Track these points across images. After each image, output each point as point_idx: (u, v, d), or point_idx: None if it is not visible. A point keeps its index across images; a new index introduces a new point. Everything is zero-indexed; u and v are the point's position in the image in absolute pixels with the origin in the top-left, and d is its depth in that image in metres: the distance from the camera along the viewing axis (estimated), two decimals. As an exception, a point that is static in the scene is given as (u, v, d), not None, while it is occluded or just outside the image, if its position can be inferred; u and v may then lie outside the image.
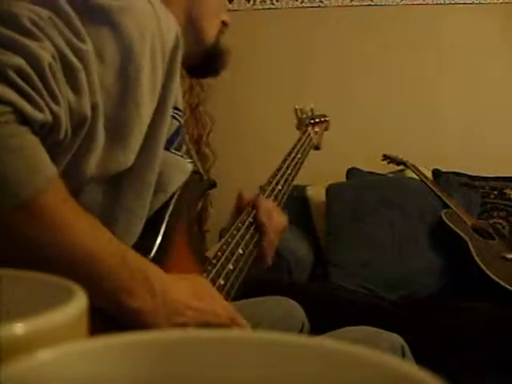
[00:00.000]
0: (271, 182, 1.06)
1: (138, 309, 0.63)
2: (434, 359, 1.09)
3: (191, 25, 0.78)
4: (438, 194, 2.24)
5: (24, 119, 0.54)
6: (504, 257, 1.97)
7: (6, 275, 0.31)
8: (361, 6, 2.75)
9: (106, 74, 0.63)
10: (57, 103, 0.57)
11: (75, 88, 0.59)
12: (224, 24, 0.95)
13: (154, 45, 0.68)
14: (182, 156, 0.81)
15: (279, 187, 1.06)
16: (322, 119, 1.46)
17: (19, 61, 0.53)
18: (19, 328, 0.23)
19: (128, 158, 0.69)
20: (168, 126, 0.74)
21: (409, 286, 1.97)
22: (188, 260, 0.83)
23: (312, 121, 1.42)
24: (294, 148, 1.23)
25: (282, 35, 2.72)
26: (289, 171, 1.13)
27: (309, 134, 1.32)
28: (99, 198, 0.69)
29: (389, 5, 2.74)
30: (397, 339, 0.99)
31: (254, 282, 0.98)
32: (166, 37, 0.70)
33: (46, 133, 0.58)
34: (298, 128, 1.41)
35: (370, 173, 2.46)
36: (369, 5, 2.75)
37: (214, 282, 0.78)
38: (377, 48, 2.72)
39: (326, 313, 1.23)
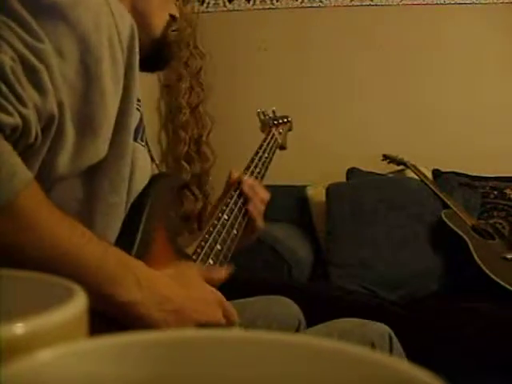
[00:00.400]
0: (239, 184, 1.07)
1: (128, 301, 0.64)
2: (434, 359, 1.09)
3: (137, 17, 0.79)
4: (438, 194, 2.24)
5: None
6: (504, 257, 1.97)
7: (6, 275, 0.31)
8: (361, 5, 2.75)
9: (68, 70, 0.63)
10: (24, 106, 0.56)
11: (39, 88, 0.59)
12: (172, 18, 0.95)
13: (110, 35, 0.68)
14: (144, 146, 0.82)
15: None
16: (285, 120, 1.51)
17: None
18: (19, 328, 0.23)
19: (99, 150, 0.69)
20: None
21: (409, 286, 1.97)
22: (168, 257, 0.83)
23: (275, 121, 1.47)
24: (260, 148, 1.27)
25: (281, 35, 2.72)
26: (257, 170, 1.16)
27: (273, 135, 1.37)
28: (76, 194, 0.70)
29: (389, 5, 2.74)
30: (384, 329, 1.00)
31: (253, 282, 0.98)
32: (121, 27, 0.70)
33: (17, 137, 0.57)
34: (262, 130, 1.46)
35: (370, 173, 2.46)
36: (369, 5, 2.75)
37: None
38: (377, 48, 2.72)
39: (326, 313, 1.23)
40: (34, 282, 0.30)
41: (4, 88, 0.55)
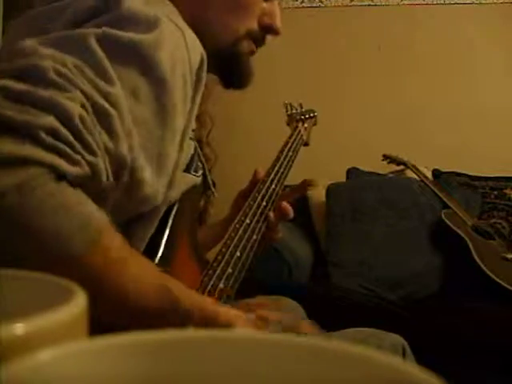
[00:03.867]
0: (265, 181, 1.05)
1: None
2: (434, 359, 1.09)
3: (198, 26, 0.76)
4: (438, 193, 2.24)
5: (62, 175, 0.53)
6: (504, 257, 1.97)
7: (6, 275, 0.31)
8: (361, 5, 2.75)
9: (144, 111, 0.62)
10: (92, 153, 0.55)
11: (110, 133, 0.58)
12: (251, 34, 0.90)
13: (184, 73, 0.67)
14: (196, 174, 0.82)
15: (273, 186, 1.05)
16: (311, 115, 1.44)
17: (49, 119, 0.52)
18: (19, 328, 0.23)
19: (163, 193, 0.68)
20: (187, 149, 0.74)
21: (409, 286, 1.97)
22: (190, 263, 0.83)
23: (302, 117, 1.40)
24: (285, 145, 1.20)
25: (281, 35, 2.72)
26: (281, 170, 1.11)
27: (299, 131, 1.30)
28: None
29: (389, 5, 2.74)
30: (398, 340, 1.00)
31: (254, 282, 0.98)
32: (193, 60, 0.69)
33: (88, 184, 0.56)
34: (288, 124, 1.38)
35: (370, 173, 2.46)
36: (369, 5, 2.75)
37: (215, 286, 0.79)
38: (376, 48, 2.72)
39: (326, 313, 1.23)
40: (34, 282, 0.30)
41: (71, 138, 0.53)
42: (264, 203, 0.98)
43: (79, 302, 0.26)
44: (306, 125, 1.37)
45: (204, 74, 0.71)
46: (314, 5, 2.75)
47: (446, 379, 0.20)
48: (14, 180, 0.49)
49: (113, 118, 0.58)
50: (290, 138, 1.25)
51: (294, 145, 1.22)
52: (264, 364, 0.23)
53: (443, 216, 2.09)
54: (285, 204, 1.02)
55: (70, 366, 0.21)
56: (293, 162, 1.17)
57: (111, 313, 0.57)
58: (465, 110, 2.67)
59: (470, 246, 1.95)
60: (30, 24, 0.64)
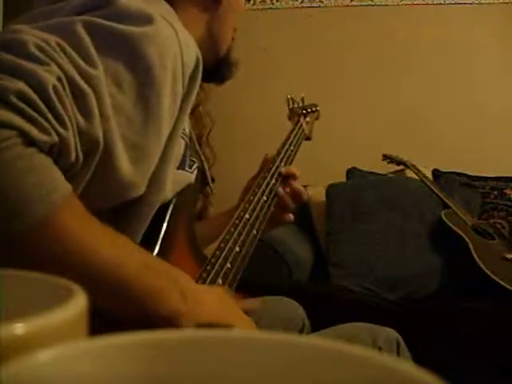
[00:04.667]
0: (266, 176, 1.04)
1: (173, 312, 0.61)
2: (434, 359, 1.09)
3: (210, 38, 0.78)
4: (438, 194, 2.24)
5: (30, 142, 0.54)
6: (504, 257, 1.97)
7: (6, 275, 0.31)
8: (361, 5, 2.75)
9: (126, 102, 0.63)
10: (63, 126, 0.56)
11: (85, 112, 0.58)
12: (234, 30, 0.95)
13: (175, 71, 0.67)
14: (190, 170, 0.82)
15: (273, 181, 1.05)
16: (314, 109, 1.43)
17: (19, 84, 0.53)
18: (19, 328, 0.23)
19: (144, 184, 0.69)
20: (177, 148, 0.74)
21: (409, 286, 1.97)
22: (188, 259, 0.82)
23: (304, 111, 1.38)
24: (287, 139, 1.20)
25: (281, 35, 2.72)
26: (282, 164, 1.10)
27: (301, 125, 1.29)
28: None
29: (389, 5, 2.74)
30: (392, 334, 1.00)
31: (254, 282, 0.98)
32: (186, 59, 0.69)
33: (56, 156, 0.57)
34: (290, 118, 1.37)
35: (370, 173, 2.46)
36: (369, 5, 2.75)
37: (213, 281, 0.78)
38: (376, 48, 2.72)
39: (326, 313, 1.23)
40: (34, 282, 0.30)
41: (43, 106, 0.54)
42: (264, 198, 0.98)
43: (79, 302, 0.26)
44: (308, 119, 1.36)
45: (199, 75, 0.72)
46: (314, 5, 2.75)
47: (445, 379, 0.20)
48: None
49: (89, 98, 0.58)
50: (291, 132, 1.24)
51: (296, 139, 1.21)
52: (262, 364, 0.23)
53: (443, 216, 2.09)
54: (297, 186, 1.05)
55: (70, 366, 0.21)
56: (294, 155, 1.16)
57: (87, 286, 0.56)
58: (465, 110, 2.67)
59: (470, 246, 1.95)
60: (29, 23, 0.65)
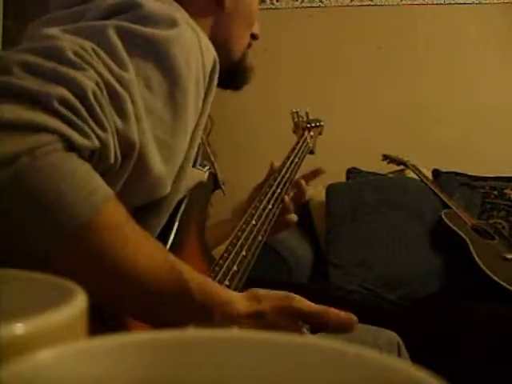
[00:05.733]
0: (272, 185, 1.08)
1: (229, 302, 0.65)
2: (434, 359, 1.09)
3: (216, 43, 0.79)
4: (438, 193, 2.24)
5: (71, 147, 0.55)
6: (504, 257, 1.97)
7: (6, 275, 0.31)
8: (361, 5, 2.75)
9: (156, 102, 0.65)
10: (103, 129, 0.57)
11: (121, 114, 0.59)
12: (253, 37, 0.97)
13: (198, 72, 0.70)
14: (202, 169, 0.85)
15: (278, 190, 1.08)
16: (318, 124, 1.47)
17: (62, 90, 0.54)
18: (19, 328, 0.23)
19: (171, 183, 0.71)
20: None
21: (409, 286, 1.97)
22: (197, 259, 0.84)
23: (308, 125, 1.43)
24: (292, 151, 1.24)
25: (282, 35, 2.72)
26: (287, 175, 1.14)
27: (305, 139, 1.33)
28: None
29: (389, 5, 2.74)
30: (393, 336, 1.00)
31: (254, 282, 0.98)
32: (206, 62, 0.71)
33: (96, 159, 0.58)
34: (295, 132, 1.41)
35: (370, 173, 2.46)
36: (369, 5, 2.75)
37: (220, 282, 0.79)
38: (376, 48, 2.72)
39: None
40: (34, 282, 0.30)
41: (83, 111, 0.55)
42: (270, 206, 1.01)
43: (79, 302, 0.26)
44: (311, 133, 1.40)
45: (216, 76, 0.74)
46: (314, 5, 2.75)
47: (445, 379, 0.20)
48: (26, 145, 0.51)
49: (125, 101, 0.60)
50: (296, 144, 1.28)
51: (300, 152, 1.25)
52: (263, 364, 0.23)
53: (443, 216, 2.09)
54: (302, 182, 1.12)
55: (70, 366, 0.21)
56: (298, 168, 1.20)
57: (117, 290, 0.58)
58: (465, 110, 2.67)
59: (470, 246, 1.95)
60: (54, 25, 0.66)
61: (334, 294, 1.83)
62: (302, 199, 1.16)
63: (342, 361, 0.22)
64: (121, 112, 0.59)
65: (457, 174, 2.47)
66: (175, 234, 0.77)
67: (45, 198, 0.51)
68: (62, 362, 0.21)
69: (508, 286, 1.79)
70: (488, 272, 1.84)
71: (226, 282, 0.80)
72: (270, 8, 2.75)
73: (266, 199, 1.02)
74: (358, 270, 2.00)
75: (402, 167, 2.46)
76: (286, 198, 1.09)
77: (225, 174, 1.12)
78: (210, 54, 0.73)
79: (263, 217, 0.97)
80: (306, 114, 1.47)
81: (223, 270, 0.81)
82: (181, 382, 0.23)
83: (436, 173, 2.48)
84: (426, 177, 2.35)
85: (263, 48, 2.71)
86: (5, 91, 0.52)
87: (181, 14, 0.72)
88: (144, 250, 0.59)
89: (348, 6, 2.76)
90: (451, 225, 2.05)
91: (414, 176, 2.37)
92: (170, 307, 0.61)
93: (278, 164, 1.14)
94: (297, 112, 1.45)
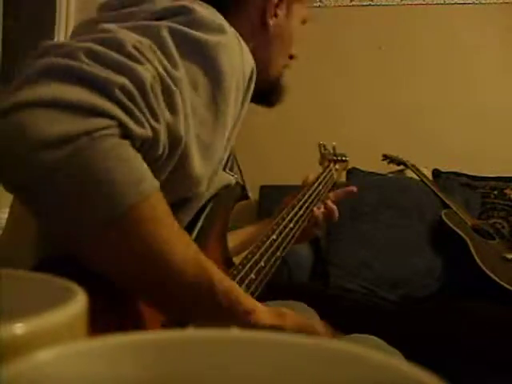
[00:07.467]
0: (294, 206, 1.11)
1: (252, 307, 0.67)
2: (434, 359, 1.09)
3: (256, 63, 0.81)
4: (438, 194, 2.24)
5: (126, 134, 0.57)
6: (504, 257, 1.97)
7: (6, 275, 0.31)
8: (361, 5, 2.75)
9: (199, 104, 0.67)
10: (156, 120, 0.59)
11: (172, 108, 0.62)
12: (291, 57, 1.01)
13: (238, 79, 0.72)
14: (231, 174, 0.86)
15: (301, 212, 1.12)
16: (343, 158, 1.51)
17: (123, 80, 0.57)
18: (19, 328, 0.23)
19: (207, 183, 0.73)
20: None
21: (409, 286, 1.97)
22: (217, 258, 0.85)
23: (334, 157, 1.47)
24: (316, 180, 1.27)
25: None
26: (311, 199, 1.18)
27: (330, 170, 1.37)
28: None
29: (389, 5, 2.74)
30: (379, 342, 1.00)
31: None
32: (245, 69, 0.74)
33: (146, 149, 0.60)
34: (321, 163, 1.45)
35: (370, 173, 2.46)
36: (369, 5, 2.75)
37: None
38: (376, 48, 2.72)
39: (326, 313, 1.23)
40: (34, 282, 0.30)
41: (141, 101, 0.58)
42: (291, 225, 1.05)
43: (79, 301, 0.26)
44: (337, 166, 1.45)
45: (252, 85, 0.78)
46: (314, 5, 2.75)
47: (445, 379, 0.20)
48: (86, 126, 0.53)
49: (176, 97, 0.62)
50: (321, 174, 1.32)
51: (325, 181, 1.29)
52: (263, 364, 0.23)
53: (443, 216, 2.09)
54: (331, 205, 1.19)
55: (70, 366, 0.21)
56: (322, 196, 1.24)
57: (146, 275, 0.60)
58: (465, 110, 2.67)
59: (470, 246, 1.95)
60: (94, 27, 0.67)
61: (333, 293, 1.83)
62: (333, 219, 1.23)
63: (342, 361, 0.22)
64: (172, 107, 0.62)
65: (457, 174, 2.47)
66: (197, 234, 0.78)
67: (98, 177, 0.54)
68: (62, 362, 0.21)
69: (508, 286, 1.79)
70: (488, 272, 1.84)
71: (243, 287, 0.82)
72: (270, 8, 2.75)
73: (288, 218, 1.06)
74: (358, 270, 2.00)
75: (402, 167, 2.46)
76: (316, 211, 1.15)
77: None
78: (250, 62, 0.76)
79: (283, 234, 1.01)
80: (333, 147, 1.52)
81: (241, 275, 0.83)
82: (181, 382, 0.23)
83: (436, 173, 2.48)
84: (426, 177, 2.35)
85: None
86: (72, 74, 0.55)
87: (227, 23, 0.75)
88: (180, 244, 0.62)
89: (348, 5, 2.76)
90: (451, 225, 2.05)
91: (414, 176, 2.37)
92: (191, 304, 0.64)
93: (312, 177, 1.19)
94: (324, 144, 1.49)
